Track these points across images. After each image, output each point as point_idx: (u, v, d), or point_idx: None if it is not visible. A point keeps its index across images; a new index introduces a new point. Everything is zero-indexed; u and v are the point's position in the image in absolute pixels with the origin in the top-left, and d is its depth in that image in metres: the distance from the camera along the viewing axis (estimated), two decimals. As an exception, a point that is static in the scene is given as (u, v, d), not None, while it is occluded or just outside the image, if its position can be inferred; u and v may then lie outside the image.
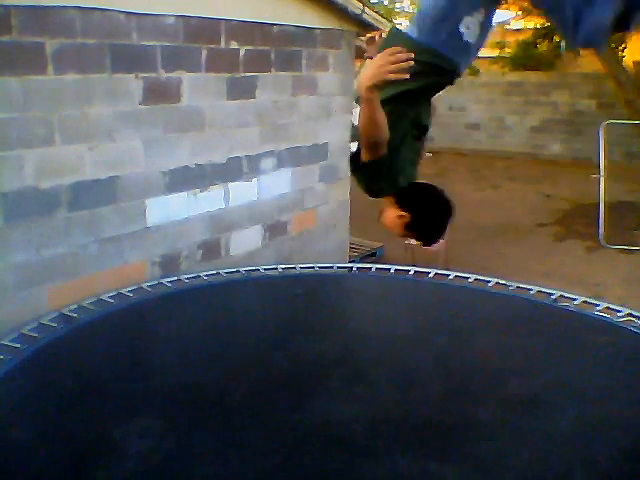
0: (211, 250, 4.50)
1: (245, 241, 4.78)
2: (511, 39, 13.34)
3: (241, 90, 4.52)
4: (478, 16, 1.87)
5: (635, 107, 9.02)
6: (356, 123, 1.96)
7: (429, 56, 1.90)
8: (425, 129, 2.14)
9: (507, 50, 13.37)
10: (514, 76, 13.61)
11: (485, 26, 1.92)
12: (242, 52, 4.46)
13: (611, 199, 7.82)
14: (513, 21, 13.94)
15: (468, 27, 1.87)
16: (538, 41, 13.08)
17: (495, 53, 13.23)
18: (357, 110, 1.93)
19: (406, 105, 1.97)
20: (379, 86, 1.76)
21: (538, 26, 12.62)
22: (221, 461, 1.84)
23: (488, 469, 1.83)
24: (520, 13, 10.20)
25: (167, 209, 4.13)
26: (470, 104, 14.26)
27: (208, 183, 4.39)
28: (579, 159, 12.32)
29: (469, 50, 1.96)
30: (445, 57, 1.93)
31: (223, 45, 4.31)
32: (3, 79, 3.18)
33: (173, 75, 4.02)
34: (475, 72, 12.21)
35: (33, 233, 3.42)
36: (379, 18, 5.49)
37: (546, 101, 13.50)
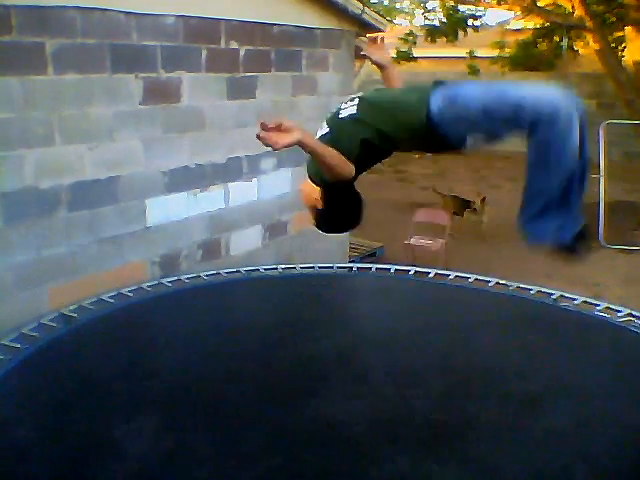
0: (211, 250, 4.50)
1: (245, 241, 4.78)
2: (511, 39, 13.32)
3: (241, 90, 4.52)
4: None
5: (635, 107, 9.01)
6: None
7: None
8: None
9: (507, 50, 13.34)
10: (514, 76, 13.59)
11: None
12: (242, 52, 4.46)
13: (611, 199, 7.82)
14: (513, 21, 13.93)
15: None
16: (538, 41, 13.06)
17: (495, 53, 13.20)
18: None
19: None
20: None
21: (538, 26, 12.61)
22: (221, 460, 1.84)
23: (488, 468, 1.83)
24: (520, 13, 10.18)
25: (167, 209, 4.13)
26: (470, 104, 14.22)
27: (208, 183, 4.39)
28: (579, 159, 12.31)
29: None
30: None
31: (223, 45, 4.31)
32: (3, 79, 3.18)
33: (173, 75, 4.02)
34: (475, 72, 12.21)
35: (33, 233, 3.42)
36: (379, 18, 5.49)
37: (546, 101, 13.49)
